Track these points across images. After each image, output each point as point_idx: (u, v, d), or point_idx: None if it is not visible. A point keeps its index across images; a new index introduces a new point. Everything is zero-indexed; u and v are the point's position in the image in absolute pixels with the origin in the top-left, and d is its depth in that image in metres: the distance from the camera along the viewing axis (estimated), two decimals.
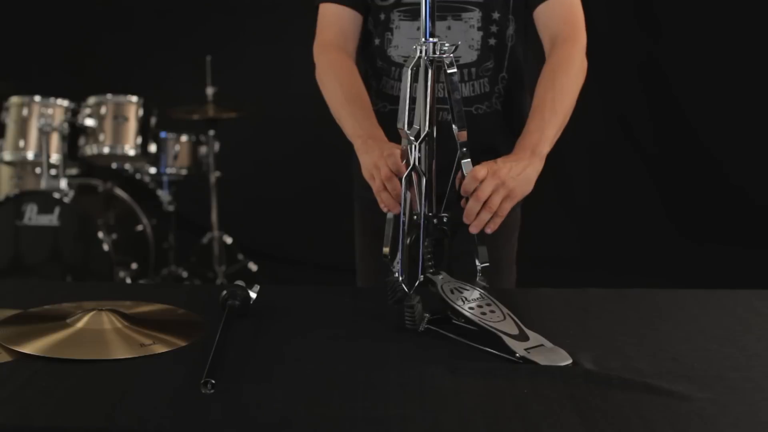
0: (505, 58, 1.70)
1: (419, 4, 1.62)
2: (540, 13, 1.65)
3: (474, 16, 1.66)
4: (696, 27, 5.02)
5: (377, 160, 1.44)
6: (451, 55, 1.35)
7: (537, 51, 1.84)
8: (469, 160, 1.36)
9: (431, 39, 1.34)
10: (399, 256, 1.26)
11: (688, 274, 4.28)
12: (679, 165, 5.23)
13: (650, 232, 5.08)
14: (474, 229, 1.35)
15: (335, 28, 1.73)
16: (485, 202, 1.34)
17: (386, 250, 1.37)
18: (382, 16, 1.70)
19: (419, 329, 1.11)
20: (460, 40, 1.65)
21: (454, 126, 1.35)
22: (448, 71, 1.35)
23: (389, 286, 1.35)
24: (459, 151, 1.36)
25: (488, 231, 1.37)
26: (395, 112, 1.68)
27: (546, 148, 1.46)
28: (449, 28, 1.66)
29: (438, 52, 1.34)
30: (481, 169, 1.34)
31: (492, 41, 1.68)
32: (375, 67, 1.74)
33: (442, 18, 1.65)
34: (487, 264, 1.39)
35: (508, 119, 1.73)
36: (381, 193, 1.43)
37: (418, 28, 1.64)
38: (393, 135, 1.46)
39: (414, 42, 1.65)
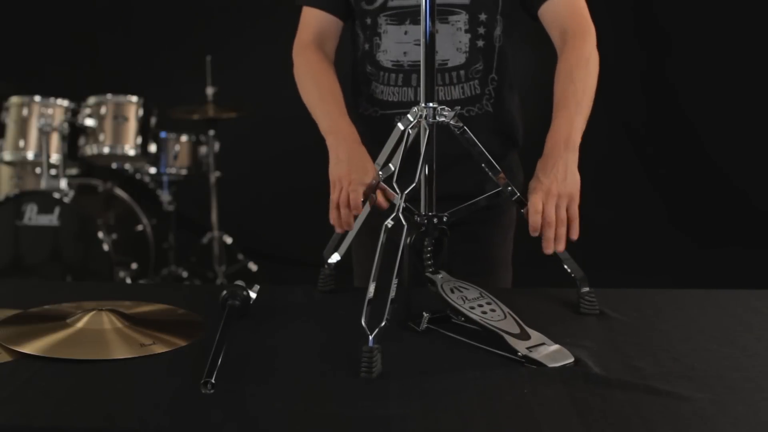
0: (494, 59, 1.69)
1: (405, 8, 1.64)
2: (545, 12, 1.65)
3: (461, 19, 1.65)
4: (698, 32, 5.03)
5: (343, 177, 1.45)
6: (454, 118, 1.36)
7: (536, 51, 1.84)
8: (518, 195, 1.38)
9: (431, 104, 1.35)
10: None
11: (688, 274, 4.28)
12: (679, 165, 5.23)
13: (650, 232, 5.08)
14: (561, 248, 1.37)
15: (314, 29, 1.74)
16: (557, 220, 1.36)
17: (326, 253, 1.56)
18: (369, 21, 1.70)
19: (374, 375, 1.10)
20: (447, 43, 1.65)
21: (490, 173, 1.39)
22: (457, 132, 1.37)
23: (321, 274, 1.57)
24: (503, 191, 1.39)
25: (573, 238, 1.38)
26: (386, 117, 1.70)
27: (577, 137, 1.46)
28: (436, 31, 1.65)
29: (438, 117, 1.35)
30: (537, 201, 1.35)
31: (480, 43, 1.67)
32: (365, 72, 1.74)
33: None
34: (583, 275, 1.44)
35: (499, 120, 1.73)
36: (333, 211, 1.46)
37: (406, 32, 1.65)
38: (383, 138, 1.46)
39: (402, 46, 1.66)
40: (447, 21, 1.65)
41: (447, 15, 1.65)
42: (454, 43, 1.66)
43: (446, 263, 1.38)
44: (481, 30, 1.67)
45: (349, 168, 1.46)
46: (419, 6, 1.60)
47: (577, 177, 1.41)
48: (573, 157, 1.42)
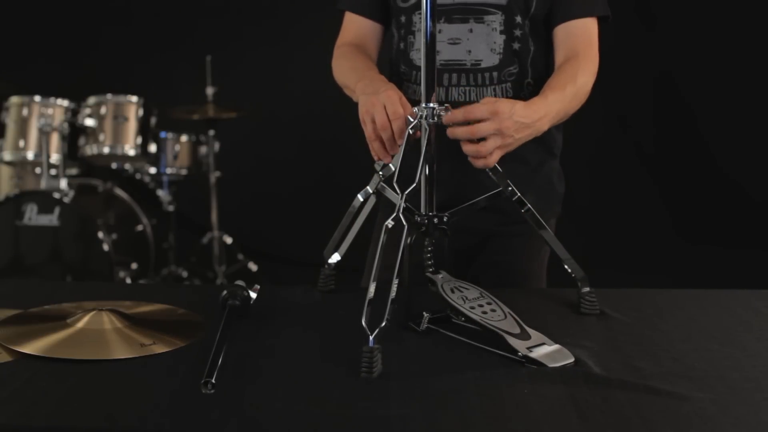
0: (528, 63, 1.67)
1: (440, 5, 1.61)
2: (559, 31, 1.64)
3: (496, 20, 1.63)
4: (696, 25, 5.02)
5: (374, 102, 1.40)
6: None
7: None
8: (518, 196, 1.38)
9: (430, 104, 1.35)
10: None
11: (688, 274, 4.28)
12: (679, 164, 5.23)
13: (650, 232, 5.08)
14: (480, 162, 1.36)
15: (353, 33, 1.77)
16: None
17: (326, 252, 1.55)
18: (403, 19, 1.70)
19: (374, 375, 1.10)
20: (481, 43, 1.63)
21: (490, 173, 1.38)
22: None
23: (321, 274, 1.55)
24: (503, 191, 1.39)
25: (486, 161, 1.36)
26: None
27: (546, 126, 1.45)
28: (471, 30, 1.64)
29: (436, 118, 1.35)
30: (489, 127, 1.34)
31: (516, 45, 1.65)
32: (399, 72, 1.74)
33: (464, 20, 1.63)
34: (583, 275, 1.43)
35: None
36: (373, 143, 1.42)
37: (440, 31, 1.64)
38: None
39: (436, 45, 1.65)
40: (482, 21, 1.63)
41: (483, 15, 1.63)
42: (488, 44, 1.64)
43: (448, 263, 1.38)
44: (518, 32, 1.64)
45: (378, 97, 1.41)
46: (454, 4, 1.59)
47: (520, 138, 1.40)
48: (531, 134, 1.42)
